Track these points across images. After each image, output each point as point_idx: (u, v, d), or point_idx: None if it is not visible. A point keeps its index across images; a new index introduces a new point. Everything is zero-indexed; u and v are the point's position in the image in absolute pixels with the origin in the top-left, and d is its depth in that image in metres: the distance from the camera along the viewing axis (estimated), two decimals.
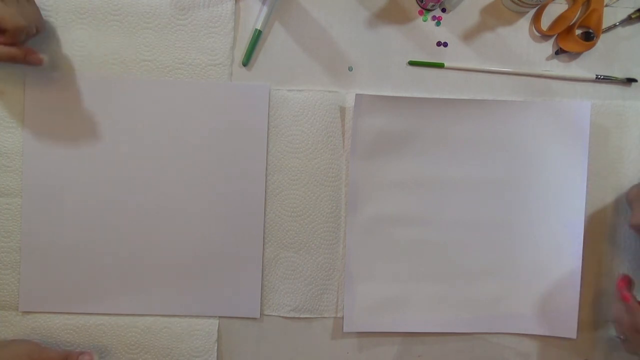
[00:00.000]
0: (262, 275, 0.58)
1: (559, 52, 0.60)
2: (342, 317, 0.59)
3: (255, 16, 0.58)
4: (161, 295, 0.58)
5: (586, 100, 0.60)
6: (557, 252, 0.59)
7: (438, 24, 0.60)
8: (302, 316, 0.59)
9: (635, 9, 0.60)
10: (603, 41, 0.60)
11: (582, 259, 0.59)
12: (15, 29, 0.48)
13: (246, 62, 0.58)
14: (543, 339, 0.61)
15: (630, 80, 0.61)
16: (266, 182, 0.58)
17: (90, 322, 0.58)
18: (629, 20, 0.61)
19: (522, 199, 0.59)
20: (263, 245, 0.58)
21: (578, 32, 0.60)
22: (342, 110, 0.59)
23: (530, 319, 0.60)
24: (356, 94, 0.57)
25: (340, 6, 0.59)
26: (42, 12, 0.55)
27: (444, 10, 0.60)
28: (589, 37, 0.60)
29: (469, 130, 0.59)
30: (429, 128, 0.59)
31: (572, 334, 0.60)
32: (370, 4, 0.60)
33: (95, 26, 0.57)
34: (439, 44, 0.60)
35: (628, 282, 0.55)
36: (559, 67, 0.61)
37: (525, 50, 0.61)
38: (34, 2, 0.53)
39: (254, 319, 0.59)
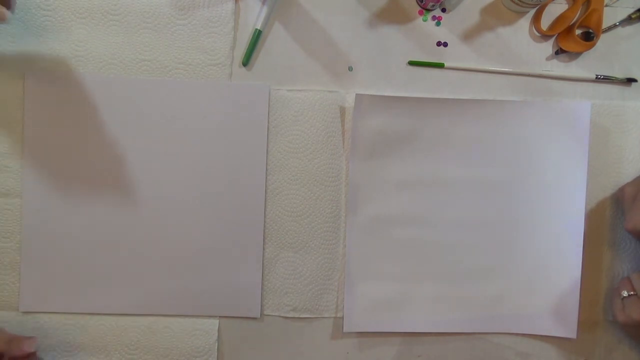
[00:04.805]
0: (262, 275, 0.58)
1: (559, 52, 0.60)
2: (342, 317, 0.59)
3: (255, 16, 0.58)
4: (161, 295, 0.58)
5: (586, 100, 0.60)
6: (557, 252, 0.59)
7: (438, 24, 0.60)
8: (302, 316, 0.59)
9: (635, 9, 0.60)
10: (603, 41, 0.60)
11: (582, 259, 0.59)
12: None
13: (246, 62, 0.58)
14: (543, 339, 0.61)
15: (630, 80, 0.61)
16: (266, 182, 0.58)
17: (91, 322, 0.58)
18: (629, 20, 0.61)
19: (522, 199, 0.59)
20: (263, 245, 0.58)
21: (578, 32, 0.60)
22: (342, 110, 0.59)
23: (530, 319, 0.60)
24: (356, 94, 0.57)
25: (340, 6, 0.59)
26: (42, 12, 0.56)
27: (444, 10, 0.60)
28: (589, 37, 0.60)
29: (468, 130, 0.59)
30: (429, 128, 0.59)
31: (572, 334, 0.60)
32: (370, 4, 0.60)
33: (94, 26, 0.57)
34: (439, 44, 0.60)
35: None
36: (559, 67, 0.61)
37: (525, 50, 0.61)
38: None
39: (254, 319, 0.59)
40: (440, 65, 0.60)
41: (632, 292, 0.54)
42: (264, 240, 0.58)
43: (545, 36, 0.61)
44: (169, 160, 0.57)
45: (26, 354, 0.52)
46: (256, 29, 0.58)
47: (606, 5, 0.60)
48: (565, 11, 0.60)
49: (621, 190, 0.59)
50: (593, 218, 0.60)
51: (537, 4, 0.58)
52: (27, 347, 0.52)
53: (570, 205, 0.59)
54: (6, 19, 0.49)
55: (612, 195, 0.61)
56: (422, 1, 0.59)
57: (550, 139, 0.59)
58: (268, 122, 0.58)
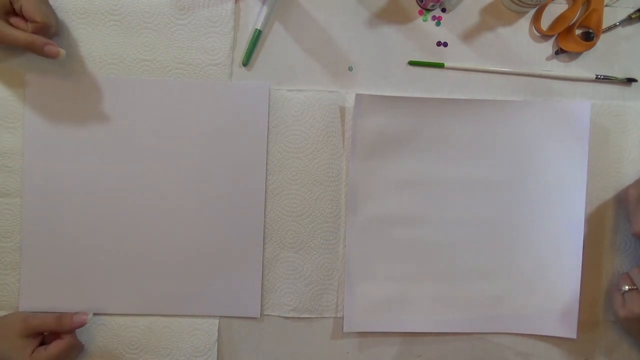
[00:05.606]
0: (262, 275, 0.58)
1: (559, 52, 0.60)
2: (342, 317, 0.59)
3: (255, 16, 0.58)
4: (161, 294, 0.58)
5: (586, 100, 0.60)
6: (557, 252, 0.59)
7: (438, 24, 0.60)
8: (302, 316, 0.59)
9: (635, 9, 0.60)
10: (603, 41, 0.60)
11: (582, 259, 0.59)
12: (44, 24, 0.51)
13: (246, 62, 0.58)
14: (543, 339, 0.61)
15: (630, 80, 0.61)
16: (266, 182, 0.58)
17: (91, 322, 0.57)
18: (629, 20, 0.61)
19: (522, 199, 0.59)
20: (263, 245, 0.58)
21: (578, 32, 0.60)
22: (342, 110, 0.59)
23: (530, 319, 0.60)
24: (356, 94, 0.57)
25: (340, 6, 0.59)
26: None
27: (444, 10, 0.60)
28: (589, 37, 0.60)
29: (468, 130, 0.59)
30: (429, 128, 0.59)
31: (572, 334, 0.60)
32: (370, 4, 0.60)
33: (95, 26, 0.57)
34: (439, 44, 0.60)
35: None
36: (559, 67, 0.61)
37: (525, 50, 0.61)
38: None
39: (254, 319, 0.59)
40: (440, 65, 0.60)
41: (632, 287, 0.55)
42: (264, 240, 0.58)
43: (545, 36, 0.61)
44: (169, 160, 0.57)
45: (76, 327, 0.54)
46: (256, 29, 0.58)
47: (606, 5, 0.60)
48: (565, 11, 0.60)
49: (625, 192, 0.58)
50: (593, 218, 0.60)
51: (537, 4, 0.58)
52: (78, 319, 0.54)
53: (570, 205, 0.59)
54: (61, 56, 0.53)
55: (613, 195, 0.60)
56: (422, 1, 0.59)
57: (550, 139, 0.59)
58: (268, 122, 0.58)
